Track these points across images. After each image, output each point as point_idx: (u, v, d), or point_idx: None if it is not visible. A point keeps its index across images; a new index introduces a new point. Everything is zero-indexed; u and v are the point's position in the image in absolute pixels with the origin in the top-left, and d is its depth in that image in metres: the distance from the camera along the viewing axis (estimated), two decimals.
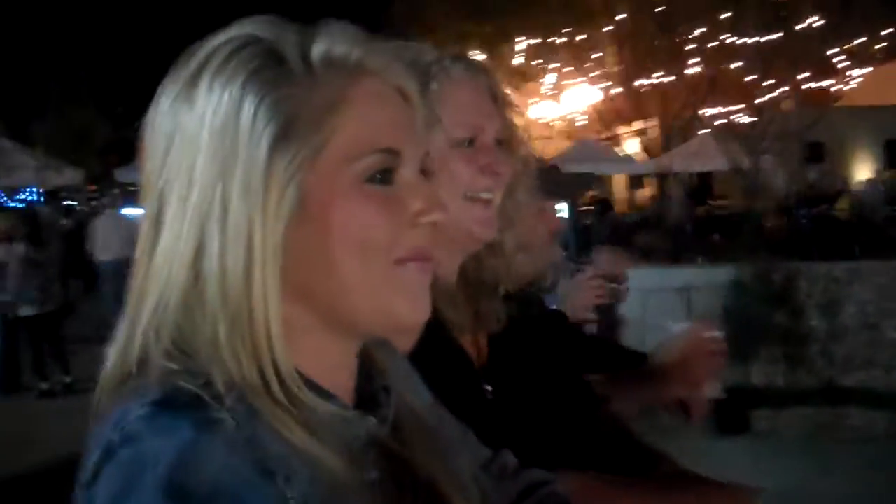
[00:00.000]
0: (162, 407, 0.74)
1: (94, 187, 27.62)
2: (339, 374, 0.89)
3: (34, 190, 21.22)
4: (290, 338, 0.81)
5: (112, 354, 0.83)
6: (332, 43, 0.84)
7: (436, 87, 1.40)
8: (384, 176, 0.84)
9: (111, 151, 26.98)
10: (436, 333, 1.43)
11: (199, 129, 0.80)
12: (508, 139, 1.48)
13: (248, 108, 0.79)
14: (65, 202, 20.93)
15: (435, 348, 1.43)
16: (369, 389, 0.94)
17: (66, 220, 17.21)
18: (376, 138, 0.83)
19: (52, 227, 13.90)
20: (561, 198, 2.22)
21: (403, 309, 0.86)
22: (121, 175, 21.99)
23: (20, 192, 21.52)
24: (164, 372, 0.77)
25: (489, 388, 1.48)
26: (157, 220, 0.81)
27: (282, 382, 0.79)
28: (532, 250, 1.56)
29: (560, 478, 1.23)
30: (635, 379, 1.93)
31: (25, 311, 9.16)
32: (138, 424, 0.73)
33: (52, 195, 19.02)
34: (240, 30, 0.84)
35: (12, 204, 19.54)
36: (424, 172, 0.89)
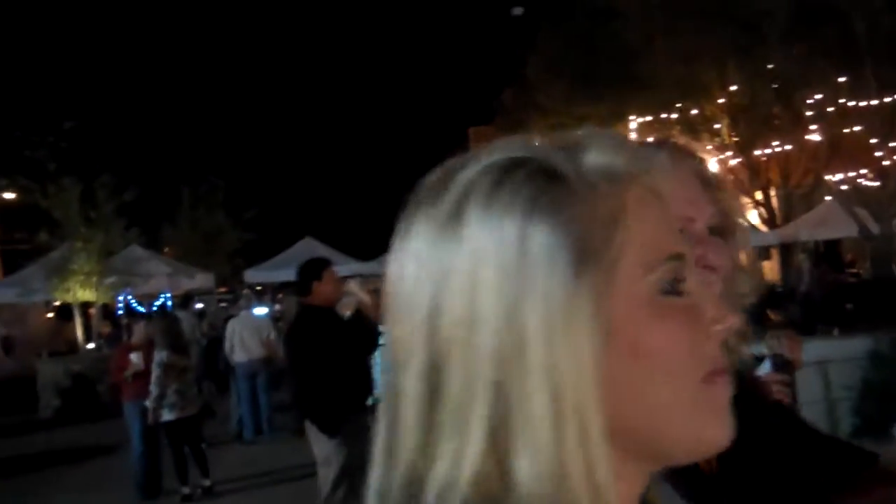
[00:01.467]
0: None
1: (223, 289, 28.50)
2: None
3: (167, 295, 22.00)
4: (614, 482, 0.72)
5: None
6: (602, 152, 0.77)
7: None
8: (677, 285, 0.76)
9: (240, 254, 27.87)
10: None
11: (476, 268, 0.71)
12: (723, 226, 1.41)
13: (538, 236, 0.71)
14: (197, 305, 21.63)
15: None
16: None
17: (203, 324, 17.73)
18: (664, 245, 0.76)
19: (191, 333, 14.37)
20: None
21: (715, 430, 0.78)
22: (252, 276, 22.66)
23: (156, 298, 22.33)
24: None
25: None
26: (434, 377, 0.72)
27: None
28: (747, 340, 1.50)
29: None
30: (873, 481, 1.80)
31: (166, 415, 9.41)
32: None
33: (184, 299, 19.65)
34: (496, 154, 0.76)
35: (142, 310, 20.28)
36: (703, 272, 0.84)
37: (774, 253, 22.07)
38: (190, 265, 23.41)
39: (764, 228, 20.81)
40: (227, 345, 12.90)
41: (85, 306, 19.78)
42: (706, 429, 0.77)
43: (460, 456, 0.70)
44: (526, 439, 0.69)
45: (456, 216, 0.73)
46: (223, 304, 24.19)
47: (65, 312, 22.63)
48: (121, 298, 20.91)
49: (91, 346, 19.40)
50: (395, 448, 0.74)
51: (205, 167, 32.22)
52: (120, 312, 20.66)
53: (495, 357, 0.70)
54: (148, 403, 9.36)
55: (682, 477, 1.40)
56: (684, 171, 1.39)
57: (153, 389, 9.29)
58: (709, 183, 1.41)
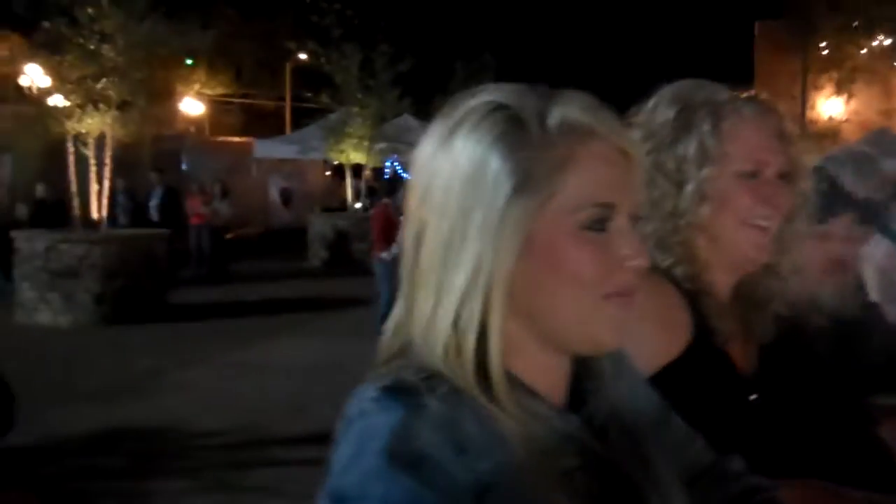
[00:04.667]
0: (387, 392, 0.97)
1: None
2: (550, 378, 1.07)
3: None
4: (510, 347, 1.00)
5: (388, 333, 1.07)
6: (566, 110, 1.02)
7: (727, 124, 1.58)
8: (600, 224, 1.00)
9: None
10: (704, 341, 1.55)
11: (452, 174, 1.00)
12: (791, 174, 1.61)
13: (493, 164, 0.99)
14: None
15: (702, 355, 1.55)
16: (580, 391, 1.10)
17: None
18: (596, 194, 1.00)
19: None
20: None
21: (606, 337, 1.04)
22: None
23: None
24: (403, 363, 1.01)
25: (755, 395, 1.58)
26: (418, 240, 1.02)
27: (489, 380, 0.98)
28: (806, 275, 1.70)
29: (785, 485, 1.29)
30: None
31: None
32: (370, 404, 0.96)
33: None
34: (490, 95, 1.03)
35: (407, 176, 21.22)
36: (633, 219, 1.04)
37: None
38: None
39: None
40: None
41: (356, 168, 20.95)
42: (598, 333, 1.03)
43: (415, 303, 1.03)
44: (446, 302, 0.99)
45: (451, 134, 1.02)
46: None
47: (340, 172, 24.15)
48: (388, 163, 21.96)
49: (358, 205, 20.64)
50: (402, 293, 1.06)
51: (479, 43, 32.63)
52: (386, 177, 21.75)
53: (448, 238, 0.99)
54: (385, 256, 10.08)
55: (719, 372, 1.54)
56: (767, 124, 1.60)
57: (394, 248, 9.96)
58: (783, 135, 1.60)
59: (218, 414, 7.67)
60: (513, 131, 0.99)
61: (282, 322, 12.42)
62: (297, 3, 24.35)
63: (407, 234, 1.04)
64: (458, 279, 0.98)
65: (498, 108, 1.01)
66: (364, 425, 0.95)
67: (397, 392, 0.96)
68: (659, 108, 1.63)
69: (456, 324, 0.98)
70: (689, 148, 1.58)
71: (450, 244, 0.99)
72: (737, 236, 1.58)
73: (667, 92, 1.65)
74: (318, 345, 10.78)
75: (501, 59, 30.84)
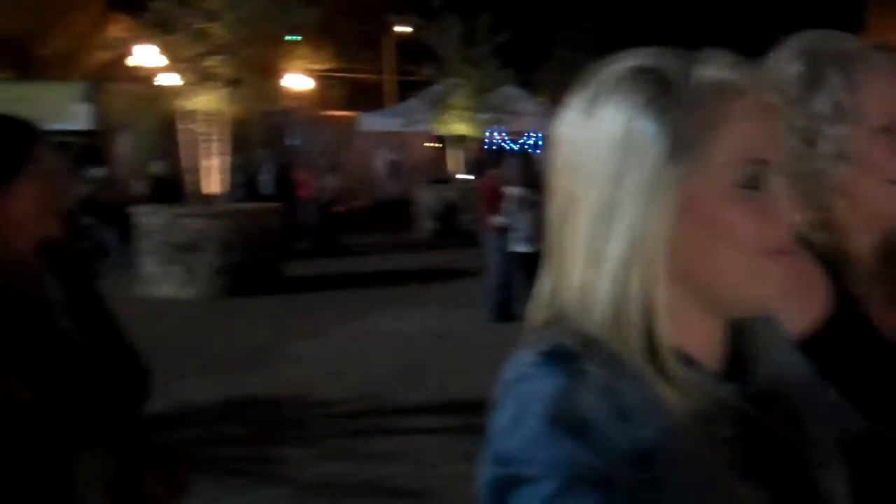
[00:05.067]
0: (548, 357, 0.98)
1: None
2: (707, 344, 1.06)
3: (534, 135, 22.77)
4: (669, 314, 1.00)
5: (538, 302, 1.07)
6: (711, 68, 1.01)
7: (860, 77, 1.52)
8: (754, 182, 1.00)
9: None
10: (847, 311, 1.53)
11: (599, 142, 1.00)
12: None
13: (643, 127, 0.98)
14: None
15: (845, 325, 1.52)
16: (737, 358, 1.10)
17: None
18: (750, 151, 1.00)
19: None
20: None
21: (768, 295, 1.03)
22: None
23: (523, 136, 23.22)
24: (559, 330, 1.02)
25: None
26: (565, 211, 1.03)
27: (654, 349, 0.99)
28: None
29: None
30: None
31: (519, 247, 10.07)
32: (530, 369, 0.98)
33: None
34: (632, 60, 1.03)
35: (512, 146, 21.24)
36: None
37: None
38: (560, 106, 23.91)
39: None
40: None
41: (461, 139, 21.00)
42: (761, 292, 1.03)
43: (567, 274, 1.03)
44: (604, 271, 1.00)
45: (594, 102, 1.02)
46: None
47: (445, 143, 24.26)
48: (492, 133, 21.95)
49: (463, 176, 20.71)
50: (549, 264, 1.07)
51: (580, 12, 32.27)
52: (491, 147, 21.75)
53: (600, 208, 1.00)
54: (496, 221, 10.13)
55: (860, 336, 1.51)
56: None
57: (503, 217, 10.01)
58: None
59: (336, 383, 7.86)
60: (660, 93, 0.99)
61: (393, 293, 12.61)
62: None
63: (552, 208, 1.05)
64: (615, 248, 0.98)
65: (642, 71, 1.01)
66: (525, 389, 0.97)
67: (557, 357, 0.97)
68: (784, 62, 1.58)
69: (617, 294, 0.99)
70: (821, 104, 1.52)
71: (603, 214, 0.99)
72: (879, 195, 1.53)
73: (792, 44, 1.59)
74: (429, 315, 10.93)
75: (602, 28, 30.50)
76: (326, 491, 5.55)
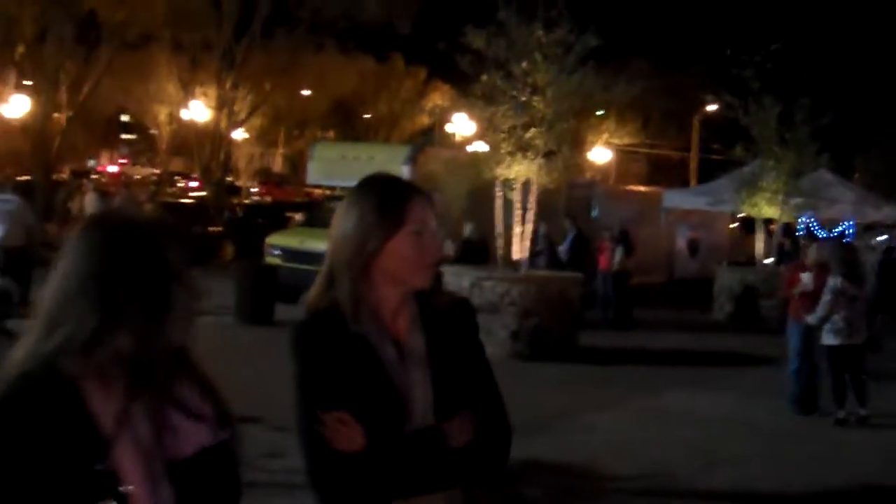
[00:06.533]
0: None
1: None
2: None
3: (851, 223, 21.62)
4: None
5: None
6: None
7: None
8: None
9: None
10: None
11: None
12: None
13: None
14: (880, 238, 21.03)
15: None
16: None
17: (874, 254, 17.11)
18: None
19: (864, 263, 14.11)
20: None
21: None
22: None
23: (838, 224, 22.11)
24: None
25: None
26: None
27: None
28: None
29: None
30: None
31: (829, 339, 9.59)
32: None
33: (867, 229, 19.24)
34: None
35: (822, 233, 20.27)
36: None
37: None
38: (878, 195, 22.66)
39: None
40: None
41: (767, 222, 20.34)
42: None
43: None
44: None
45: None
46: None
47: (748, 225, 23.56)
48: (803, 219, 21.07)
49: (768, 261, 20.00)
50: None
51: None
52: (800, 233, 20.88)
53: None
54: (810, 320, 9.64)
55: None
56: None
57: (819, 311, 9.53)
58: None
59: (626, 458, 7.83)
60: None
61: (688, 373, 12.38)
62: (710, 56, 24.24)
63: None
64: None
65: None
66: None
67: None
68: None
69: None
70: None
71: None
72: None
73: None
74: (725, 400, 10.63)
75: None
76: None
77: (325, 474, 2.13)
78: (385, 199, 2.19)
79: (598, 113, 35.53)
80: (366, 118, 47.23)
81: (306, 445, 2.15)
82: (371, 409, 2.13)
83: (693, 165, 41.15)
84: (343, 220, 2.21)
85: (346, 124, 44.48)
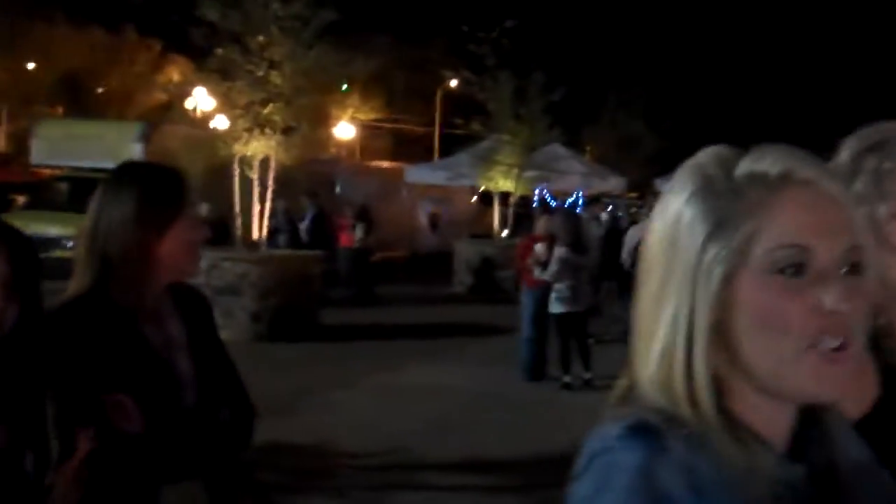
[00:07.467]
0: (633, 432, 1.03)
1: (633, 195, 28.95)
2: (772, 424, 1.09)
3: (579, 194, 22.81)
4: (730, 392, 1.06)
5: (623, 378, 1.12)
6: (754, 162, 1.07)
7: (888, 165, 1.56)
8: (794, 269, 1.03)
9: (654, 162, 28.08)
10: (890, 383, 1.51)
11: (660, 232, 1.09)
12: None
13: (686, 216, 1.07)
14: (606, 208, 22.39)
15: (891, 398, 1.51)
16: (805, 439, 1.13)
17: (599, 227, 18.20)
18: (787, 237, 1.03)
19: (589, 233, 14.91)
20: None
21: (811, 389, 1.04)
22: (661, 185, 22.81)
23: (570, 196, 23.27)
24: (642, 405, 1.07)
25: None
26: (638, 292, 1.11)
27: (732, 428, 1.04)
28: None
29: None
30: None
31: (556, 308, 10.06)
32: (615, 442, 1.03)
33: (593, 200, 20.39)
34: (696, 157, 1.12)
35: (555, 204, 21.30)
36: (847, 265, 1.04)
37: None
38: (605, 167, 24.07)
39: None
40: (624, 252, 13.20)
41: (504, 196, 21.08)
42: (802, 385, 1.04)
43: (635, 348, 1.11)
44: (654, 349, 1.07)
45: (666, 196, 1.12)
46: (632, 210, 24.71)
47: (486, 199, 24.34)
48: (537, 192, 22.01)
49: (504, 233, 20.76)
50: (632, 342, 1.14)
51: (629, 75, 32.51)
52: (535, 205, 21.80)
53: (655, 290, 1.08)
54: (545, 276, 10.10)
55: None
56: None
57: (549, 272, 10.00)
58: None
59: (365, 435, 7.85)
60: (703, 186, 1.07)
61: (427, 346, 12.62)
62: (451, 32, 24.76)
63: (637, 288, 1.12)
64: (662, 329, 1.05)
65: (694, 167, 1.10)
66: (609, 461, 1.02)
67: (642, 432, 1.02)
68: (841, 153, 1.62)
69: (683, 374, 1.04)
70: (861, 187, 1.57)
71: (656, 296, 1.07)
72: None
73: (851, 137, 1.63)
74: (462, 371, 10.91)
75: (652, 91, 30.69)
76: None
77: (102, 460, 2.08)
78: (162, 184, 2.23)
79: (343, 88, 35.47)
80: (99, 93, 44.67)
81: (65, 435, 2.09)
82: (147, 391, 2.15)
83: (436, 141, 42.06)
84: (110, 206, 2.19)
85: (77, 100, 41.85)
